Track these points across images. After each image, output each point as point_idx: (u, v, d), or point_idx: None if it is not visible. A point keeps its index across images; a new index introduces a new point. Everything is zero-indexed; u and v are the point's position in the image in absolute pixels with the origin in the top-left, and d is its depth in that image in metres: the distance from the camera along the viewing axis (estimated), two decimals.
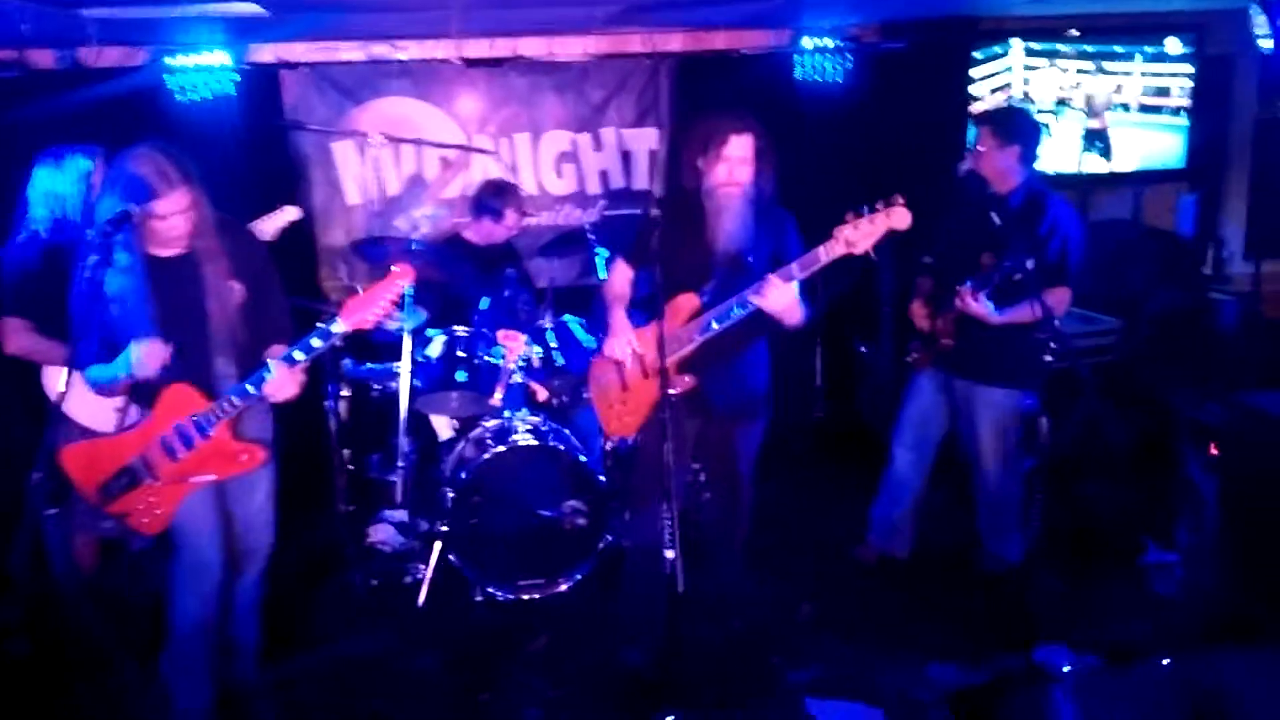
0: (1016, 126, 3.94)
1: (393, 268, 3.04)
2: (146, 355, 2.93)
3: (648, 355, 3.50)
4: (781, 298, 3.21)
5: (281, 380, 2.99)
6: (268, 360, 3.00)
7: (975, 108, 5.61)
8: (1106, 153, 5.84)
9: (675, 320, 3.40)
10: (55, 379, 3.70)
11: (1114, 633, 3.54)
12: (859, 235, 3.12)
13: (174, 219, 2.92)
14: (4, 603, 3.70)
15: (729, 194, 3.34)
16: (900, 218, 3.10)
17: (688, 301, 3.40)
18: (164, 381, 3.01)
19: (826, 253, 3.17)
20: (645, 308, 3.66)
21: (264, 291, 3.19)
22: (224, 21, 4.49)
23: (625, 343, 3.53)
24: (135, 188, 2.85)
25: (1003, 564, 4.10)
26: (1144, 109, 5.82)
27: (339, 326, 2.97)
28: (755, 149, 3.37)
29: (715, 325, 3.32)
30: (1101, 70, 5.75)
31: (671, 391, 3.23)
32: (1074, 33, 5.67)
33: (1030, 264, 3.52)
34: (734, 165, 3.33)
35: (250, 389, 2.99)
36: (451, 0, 4.08)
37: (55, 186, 3.68)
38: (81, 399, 3.36)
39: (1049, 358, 3.53)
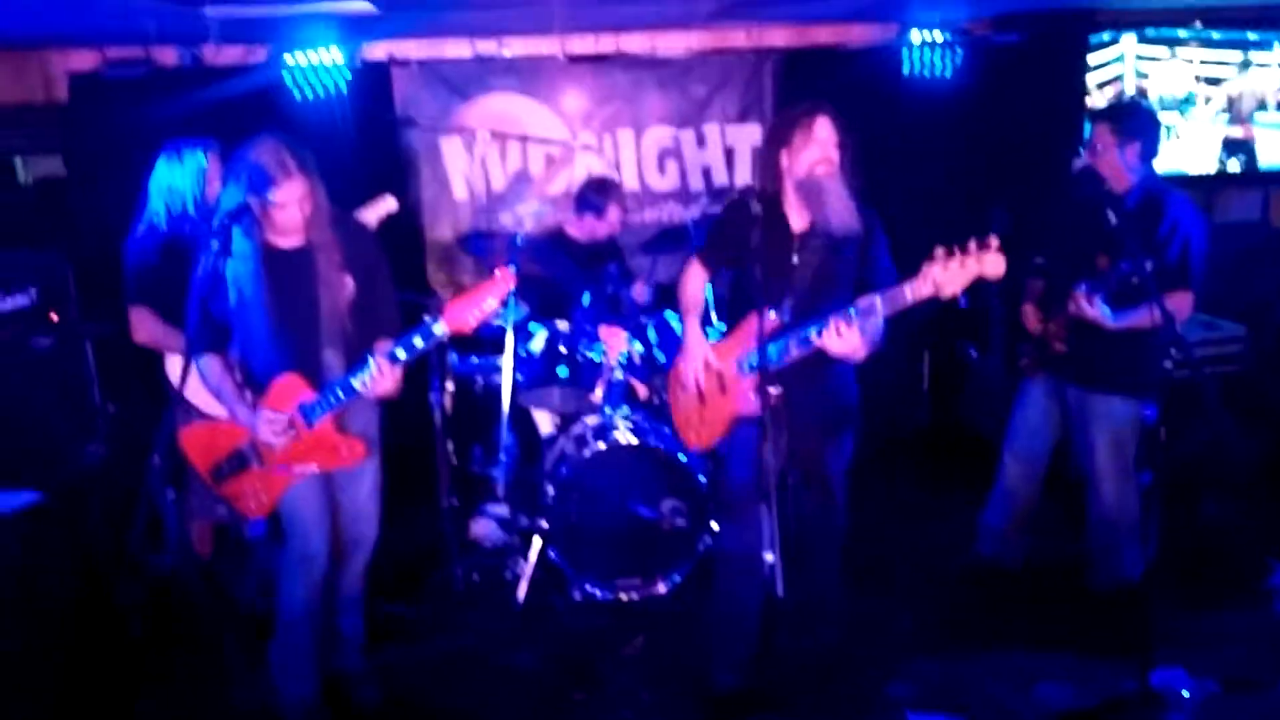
0: (1137, 122, 3.77)
1: (495, 271, 3.06)
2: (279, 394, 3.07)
3: (726, 370, 3.35)
4: (846, 343, 3.01)
5: (381, 376, 3.03)
6: (369, 356, 3.05)
7: (1090, 103, 5.41)
8: (1251, 164, 5.57)
9: (755, 338, 3.14)
10: (177, 366, 3.87)
11: (1234, 659, 3.38)
12: (947, 278, 2.86)
13: (290, 208, 2.98)
14: (126, 583, 3.84)
15: (827, 173, 3.14)
16: (994, 265, 2.83)
17: (768, 320, 3.16)
18: (274, 370, 3.09)
19: (913, 293, 2.93)
20: (725, 311, 3.55)
21: (374, 286, 3.24)
22: (338, 19, 4.58)
23: (700, 361, 3.39)
24: (256, 176, 2.93)
25: (1117, 582, 3.93)
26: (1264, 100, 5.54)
27: (440, 328, 3.00)
28: (840, 133, 3.19)
29: (794, 350, 3.13)
30: (1246, 66, 5.45)
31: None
32: (1198, 24, 5.42)
33: (1149, 266, 3.37)
34: (825, 145, 3.14)
35: (354, 383, 3.04)
36: None
37: (173, 181, 3.81)
38: (199, 385, 3.49)
39: (1169, 365, 3.37)
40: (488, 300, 3.01)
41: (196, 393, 3.69)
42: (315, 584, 3.25)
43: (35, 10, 3.84)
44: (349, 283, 3.15)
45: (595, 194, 4.79)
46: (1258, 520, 4.27)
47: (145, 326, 3.82)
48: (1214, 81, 5.47)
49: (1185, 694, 3.17)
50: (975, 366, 5.49)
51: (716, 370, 3.38)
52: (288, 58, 5.05)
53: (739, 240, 3.20)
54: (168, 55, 5.23)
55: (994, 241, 2.82)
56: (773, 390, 3.14)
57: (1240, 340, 5.01)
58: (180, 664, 3.66)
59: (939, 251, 2.86)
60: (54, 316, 3.84)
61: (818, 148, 3.14)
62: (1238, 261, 5.11)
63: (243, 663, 3.45)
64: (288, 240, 3.09)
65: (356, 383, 3.03)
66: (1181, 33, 5.42)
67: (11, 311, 3.81)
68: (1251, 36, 5.42)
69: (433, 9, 4.24)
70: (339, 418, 3.14)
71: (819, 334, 3.04)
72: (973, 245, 2.83)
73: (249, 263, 3.02)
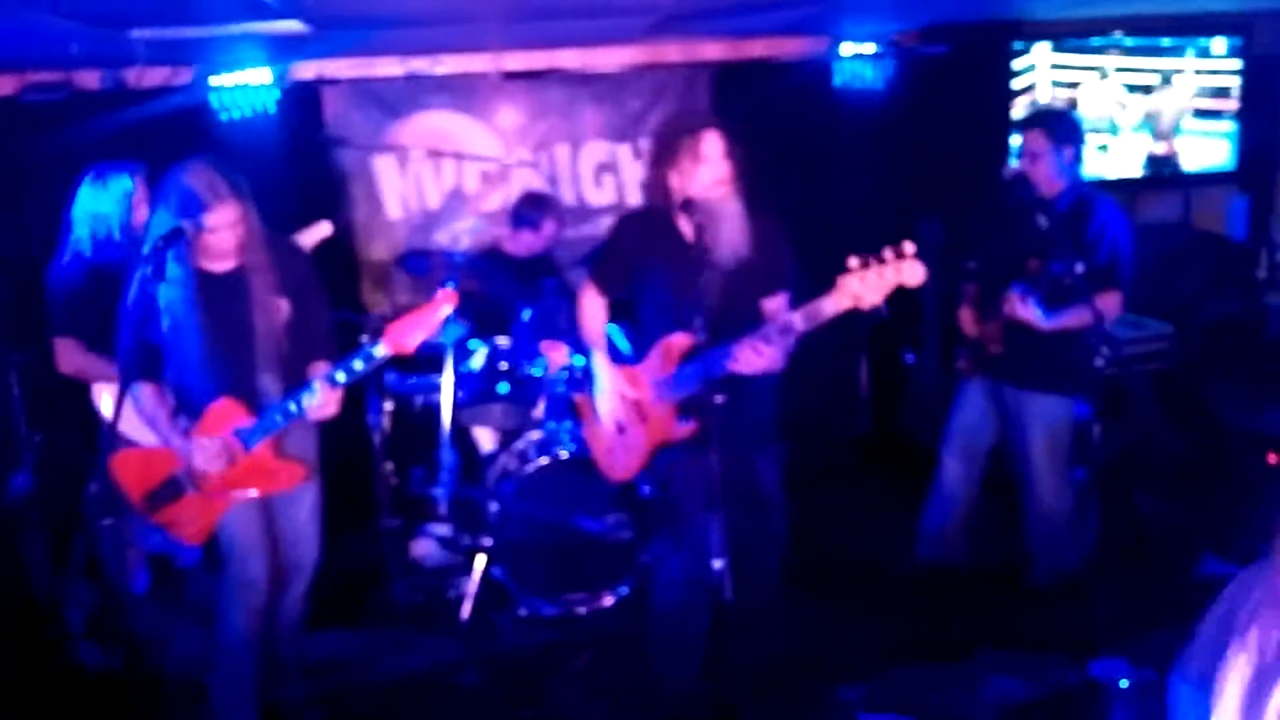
0: (1069, 128, 3.87)
1: (437, 291, 3.04)
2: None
3: (643, 397, 3.26)
4: (762, 360, 2.92)
5: (323, 400, 3.00)
6: (311, 380, 3.01)
7: (1018, 110, 5.53)
8: (1174, 170, 5.73)
9: (668, 362, 3.16)
10: (104, 395, 3.78)
11: (1171, 647, 3.45)
12: (865, 289, 2.74)
13: (223, 233, 2.95)
14: (68, 610, 3.75)
15: (720, 196, 3.01)
16: (912, 273, 2.72)
17: (679, 341, 3.11)
18: (209, 396, 3.04)
19: (832, 305, 2.80)
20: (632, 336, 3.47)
21: (309, 308, 3.20)
22: (266, 39, 4.52)
23: (613, 393, 3.31)
24: (187, 201, 2.88)
25: (1056, 576, 4.01)
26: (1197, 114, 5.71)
27: (381, 350, 2.99)
28: (727, 147, 3.04)
29: (705, 377, 3.01)
30: (1167, 81, 5.62)
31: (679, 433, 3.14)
32: (1118, 33, 5.57)
33: (1080, 268, 3.46)
34: (715, 164, 3.01)
35: (292, 407, 3.00)
36: (491, 12, 4.07)
37: (98, 206, 3.73)
38: (130, 414, 3.40)
39: (1100, 364, 3.45)
40: (429, 321, 3.00)
41: (127, 420, 3.62)
42: (255, 611, 3.19)
43: None
44: (284, 305, 3.12)
45: (530, 209, 4.78)
46: (1189, 513, 4.37)
47: (70, 357, 3.73)
48: (1140, 90, 5.62)
49: (1124, 683, 3.24)
50: (912, 372, 5.57)
51: (633, 399, 3.29)
52: (214, 79, 4.97)
53: (632, 261, 3.16)
54: (89, 79, 5.11)
55: (909, 249, 2.70)
56: (686, 425, 3.15)
57: (1167, 338, 5.14)
58: (118, 698, 3.56)
59: (854, 262, 2.74)
60: None
61: (708, 168, 3.02)
62: (1162, 262, 5.24)
63: (182, 693, 3.37)
64: (221, 264, 3.04)
65: (296, 406, 2.99)
66: (1095, 41, 5.56)
67: None
68: (1165, 43, 5.58)
69: (366, 27, 4.20)
70: (277, 441, 3.09)
71: (732, 357, 2.94)
72: (889, 254, 2.70)
73: (182, 287, 2.97)
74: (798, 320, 2.88)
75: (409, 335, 2.99)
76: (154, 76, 5.16)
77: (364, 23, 4.11)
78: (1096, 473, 3.82)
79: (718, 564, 2.79)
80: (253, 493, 3.10)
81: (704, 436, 3.00)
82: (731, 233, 3.03)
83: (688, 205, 3.03)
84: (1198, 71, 5.64)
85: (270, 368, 3.10)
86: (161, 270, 2.89)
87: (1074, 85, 5.58)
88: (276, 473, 3.10)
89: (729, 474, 3.08)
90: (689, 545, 3.23)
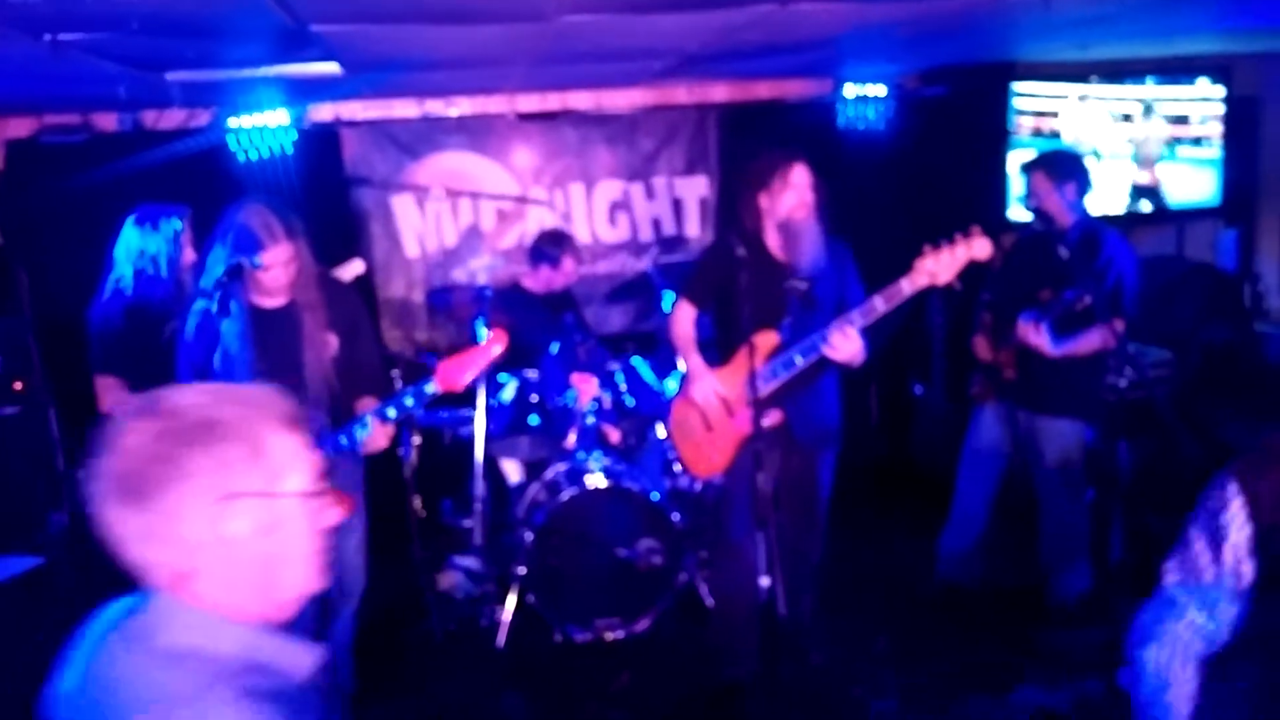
0: (1069, 166, 4.05)
1: (488, 333, 3.15)
2: None
3: (731, 394, 3.56)
4: (851, 345, 3.28)
5: (374, 434, 3.08)
6: (365, 416, 3.09)
7: (1018, 155, 5.73)
8: (1160, 204, 5.94)
9: (758, 358, 3.40)
10: None
11: None
12: (940, 266, 3.20)
13: (276, 270, 3.05)
14: None
15: (804, 218, 3.45)
16: (981, 247, 3.21)
17: (767, 339, 3.44)
18: None
19: (910, 285, 3.23)
20: (712, 349, 3.74)
21: (358, 344, 3.31)
22: (293, 82, 4.63)
23: (710, 385, 3.58)
24: (244, 240, 2.99)
25: (1071, 594, 4.13)
26: (1179, 142, 5.94)
27: (432, 388, 3.09)
28: (812, 179, 3.51)
29: (799, 360, 3.37)
30: (1149, 112, 5.85)
31: (765, 423, 3.29)
32: (1085, 77, 5.80)
33: (1089, 298, 3.63)
34: (802, 191, 3.46)
35: (344, 441, 3.07)
36: (519, 56, 4.21)
37: (147, 245, 3.80)
38: None
39: (1124, 385, 3.60)
40: (480, 361, 3.11)
41: None
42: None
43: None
44: (333, 341, 3.21)
45: (550, 245, 4.89)
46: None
47: (112, 395, 3.77)
48: (1122, 118, 5.84)
49: None
50: (920, 402, 5.71)
51: (722, 396, 3.57)
52: (232, 121, 5.06)
53: (723, 279, 3.41)
54: (107, 121, 5.19)
55: (977, 228, 3.20)
56: (775, 412, 3.44)
57: (1167, 365, 5.32)
58: None
59: (928, 248, 3.21)
60: (18, 385, 3.76)
61: (794, 193, 3.43)
62: (1158, 292, 5.44)
63: None
64: (273, 300, 3.14)
65: (348, 439, 3.07)
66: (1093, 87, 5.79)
67: None
68: (1151, 82, 5.82)
69: (397, 70, 4.32)
70: (325, 475, 3.15)
71: (826, 340, 3.28)
72: (958, 235, 3.20)
73: (236, 322, 3.07)
74: (879, 302, 3.26)
75: (461, 374, 3.09)
76: (171, 119, 5.24)
77: (397, 66, 4.23)
78: (1119, 492, 3.94)
79: (765, 581, 2.91)
80: None
81: (785, 430, 3.45)
82: (810, 250, 3.43)
83: (777, 226, 3.48)
84: (1176, 101, 5.87)
85: (318, 402, 3.19)
86: (225, 305, 2.98)
87: (1054, 114, 5.78)
88: None
89: (790, 470, 3.53)
90: (740, 562, 3.37)
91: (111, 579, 1.26)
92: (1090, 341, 3.81)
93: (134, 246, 3.80)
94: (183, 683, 1.16)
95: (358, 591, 3.43)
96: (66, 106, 4.98)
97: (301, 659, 1.28)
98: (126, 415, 1.22)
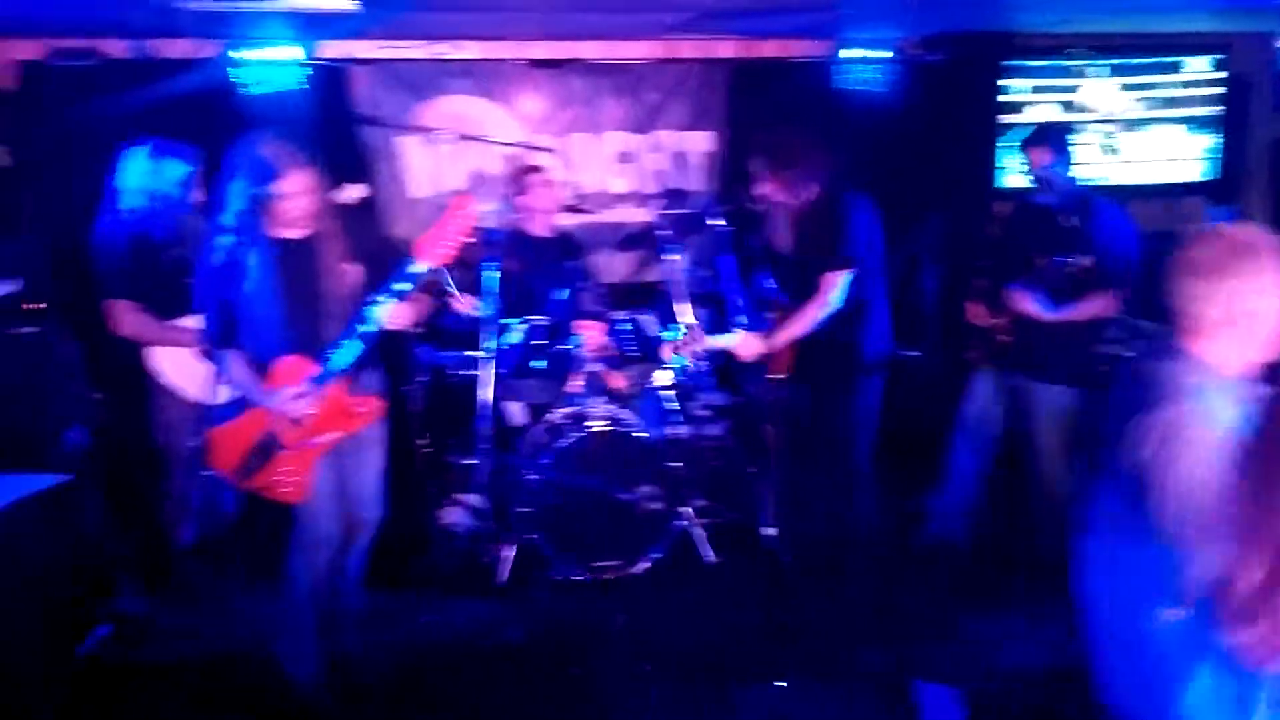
0: (1057, 139, 4.15)
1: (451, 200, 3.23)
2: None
3: None
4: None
5: (390, 312, 3.15)
6: (367, 305, 3.15)
7: (1013, 125, 5.83)
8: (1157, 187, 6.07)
9: None
10: (161, 358, 3.88)
11: None
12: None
13: (298, 198, 3.09)
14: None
15: None
16: None
17: None
18: (272, 356, 3.18)
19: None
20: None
21: (380, 273, 3.34)
22: (297, 17, 4.61)
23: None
24: (262, 170, 3.03)
25: (1059, 554, 4.27)
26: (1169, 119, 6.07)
27: (417, 266, 3.15)
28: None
29: None
30: (1144, 89, 5.97)
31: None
32: (1082, 49, 5.90)
33: (1081, 265, 3.75)
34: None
35: (354, 333, 3.13)
36: (528, 2, 4.22)
37: (158, 180, 3.83)
38: (186, 372, 3.64)
39: (1130, 355, 3.72)
40: (453, 228, 3.17)
41: (182, 377, 3.78)
42: (324, 565, 3.34)
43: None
44: (353, 271, 3.26)
45: (513, 180, 4.95)
46: None
47: (128, 319, 3.83)
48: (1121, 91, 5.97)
49: None
50: (913, 365, 5.81)
51: None
52: (241, 54, 5.04)
53: None
54: (116, 47, 5.15)
55: None
56: None
57: (1150, 337, 5.46)
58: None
59: None
60: (42, 305, 3.80)
61: None
62: (1150, 267, 5.55)
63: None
64: (293, 231, 3.18)
65: (355, 334, 3.13)
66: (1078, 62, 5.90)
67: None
68: (1145, 61, 5.93)
69: (417, 8, 4.33)
70: (347, 383, 3.23)
71: None
72: None
73: (259, 253, 3.11)
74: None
75: (438, 245, 3.16)
76: (179, 48, 5.21)
77: (417, 3, 4.23)
78: None
79: (770, 531, 3.03)
80: (338, 434, 3.23)
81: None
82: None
83: None
84: (1171, 77, 5.99)
85: (339, 331, 3.23)
86: (248, 237, 3.02)
87: (1051, 88, 5.89)
88: (355, 410, 3.25)
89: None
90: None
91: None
92: (1089, 308, 3.95)
93: (144, 179, 3.83)
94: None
95: (374, 522, 3.51)
96: (75, 30, 4.94)
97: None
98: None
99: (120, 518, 3.90)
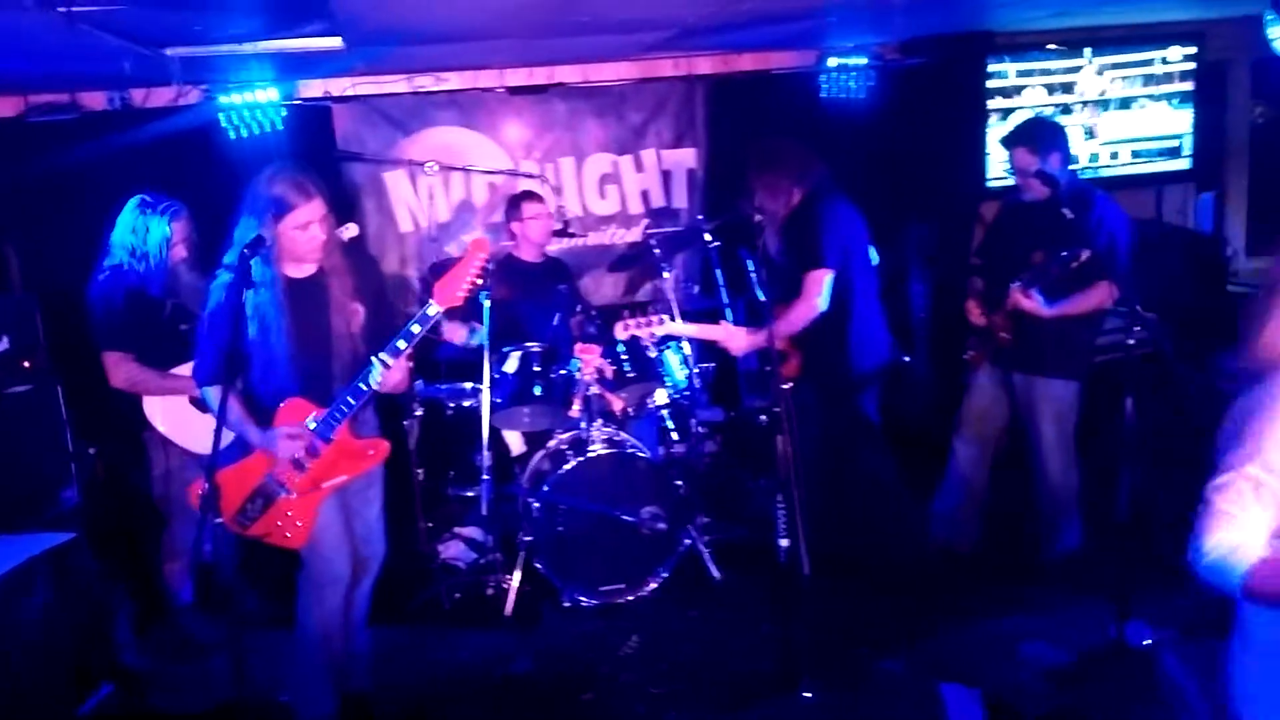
0: (1047, 137, 4.13)
1: (468, 242, 3.20)
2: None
3: None
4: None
5: (389, 370, 3.11)
6: (373, 358, 3.11)
7: (996, 123, 5.84)
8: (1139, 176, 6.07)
9: None
10: (157, 407, 3.86)
11: (1185, 609, 3.66)
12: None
13: (314, 226, 3.07)
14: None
15: None
16: None
17: None
18: (285, 396, 3.14)
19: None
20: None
21: (382, 312, 3.33)
22: (279, 58, 4.61)
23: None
24: (274, 204, 3.01)
25: (1063, 552, 4.25)
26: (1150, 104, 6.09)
27: (434, 309, 3.12)
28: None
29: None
30: (1122, 81, 5.99)
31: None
32: (1051, 46, 5.92)
33: (1079, 258, 3.73)
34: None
35: (363, 386, 3.10)
36: (521, 27, 4.22)
37: (140, 239, 3.83)
38: (181, 421, 3.64)
39: (1132, 341, 3.71)
40: (470, 271, 3.14)
41: (178, 427, 3.75)
42: (335, 606, 3.30)
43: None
44: (360, 309, 3.23)
45: (510, 206, 4.97)
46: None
47: (123, 370, 3.81)
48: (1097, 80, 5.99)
49: (1147, 642, 3.49)
50: (906, 367, 5.81)
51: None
52: (222, 98, 5.03)
53: None
54: (95, 99, 5.15)
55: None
56: None
57: (1151, 326, 5.44)
58: None
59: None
60: (26, 364, 3.77)
61: None
62: (1139, 255, 5.56)
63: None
64: (301, 270, 3.16)
65: (364, 384, 3.09)
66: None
67: None
68: (1126, 54, 5.95)
69: (399, 44, 4.33)
70: (352, 425, 3.20)
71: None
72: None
73: (269, 291, 3.08)
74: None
75: (455, 287, 3.13)
76: (161, 96, 5.21)
77: (398, 38, 4.23)
78: (1130, 450, 3.97)
79: (784, 543, 3.00)
80: (344, 478, 3.20)
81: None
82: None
83: None
84: (1148, 66, 6.02)
85: (344, 369, 3.20)
86: (248, 277, 2.99)
87: (1030, 85, 5.90)
88: (361, 453, 3.22)
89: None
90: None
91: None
92: (1087, 300, 3.93)
93: (133, 234, 3.82)
94: None
95: (379, 560, 3.47)
96: (54, 85, 4.94)
97: None
98: None
99: (119, 571, 3.86)
